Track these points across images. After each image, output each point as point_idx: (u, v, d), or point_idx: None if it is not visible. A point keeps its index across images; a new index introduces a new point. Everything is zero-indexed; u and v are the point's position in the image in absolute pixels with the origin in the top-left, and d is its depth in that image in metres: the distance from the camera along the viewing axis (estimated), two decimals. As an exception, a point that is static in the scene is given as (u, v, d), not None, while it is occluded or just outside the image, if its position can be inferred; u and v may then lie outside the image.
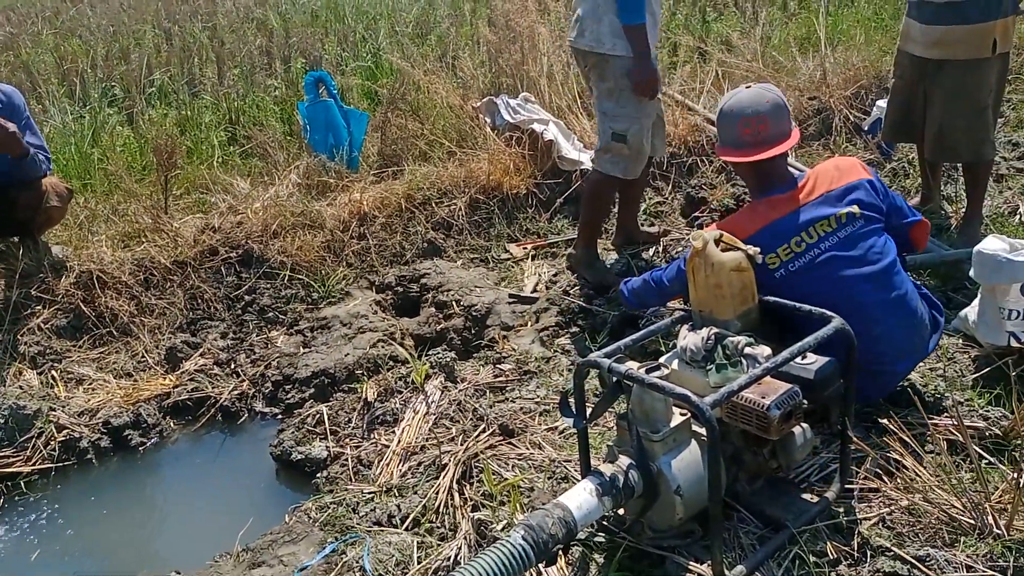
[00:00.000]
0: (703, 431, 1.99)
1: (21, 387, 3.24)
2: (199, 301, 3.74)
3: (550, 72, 5.12)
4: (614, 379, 2.01)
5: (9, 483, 2.89)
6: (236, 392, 3.27)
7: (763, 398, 1.92)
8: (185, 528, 2.76)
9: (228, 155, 5.02)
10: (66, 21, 9.46)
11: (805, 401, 1.99)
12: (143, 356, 3.48)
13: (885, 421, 2.31)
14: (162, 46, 7.44)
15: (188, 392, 3.26)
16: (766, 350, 2.09)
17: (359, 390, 3.08)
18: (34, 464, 2.96)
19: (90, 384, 3.32)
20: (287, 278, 3.86)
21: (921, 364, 2.76)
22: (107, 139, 5.21)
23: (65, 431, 3.04)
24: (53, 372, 3.36)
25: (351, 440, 2.87)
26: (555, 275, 3.90)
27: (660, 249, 3.93)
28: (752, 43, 5.70)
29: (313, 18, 7.95)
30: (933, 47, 3.32)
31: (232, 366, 3.42)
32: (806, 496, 2.18)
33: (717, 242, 2.20)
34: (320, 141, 4.70)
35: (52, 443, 3.00)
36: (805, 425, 2.09)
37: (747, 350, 2.07)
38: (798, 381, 2.02)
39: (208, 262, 3.85)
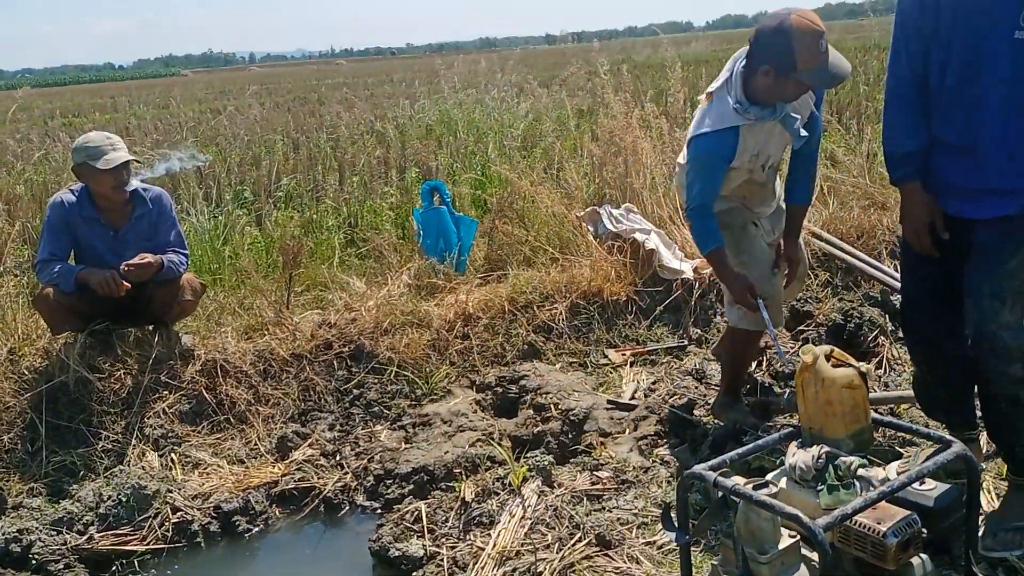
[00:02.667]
0: (814, 556, 1.93)
1: (143, 467, 3.44)
2: (311, 393, 3.92)
3: (652, 184, 5.26)
4: (720, 494, 1.98)
5: (124, 561, 3.03)
6: (339, 484, 3.37)
7: (879, 524, 1.85)
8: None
9: (346, 256, 5.35)
10: (207, 131, 10.46)
11: (924, 529, 1.90)
12: (256, 444, 3.65)
13: (1015, 558, 2.16)
14: (290, 155, 8.10)
15: (295, 481, 3.38)
16: (880, 472, 2.03)
17: (457, 489, 3.12)
18: (148, 544, 3.09)
19: (205, 468, 3.50)
20: (393, 374, 4.01)
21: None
22: (237, 238, 5.65)
23: (179, 513, 3.19)
24: (173, 455, 3.56)
25: (447, 540, 2.88)
26: (654, 383, 3.89)
27: (764, 362, 3.87)
28: (858, 159, 5.70)
29: (427, 131, 8.49)
30: None
31: (337, 458, 3.54)
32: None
33: (828, 357, 2.17)
34: (432, 245, 4.96)
35: (166, 524, 3.14)
36: (924, 556, 1.98)
37: (860, 471, 2.01)
38: (916, 508, 1.93)
39: (322, 355, 4.05)
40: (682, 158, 3.22)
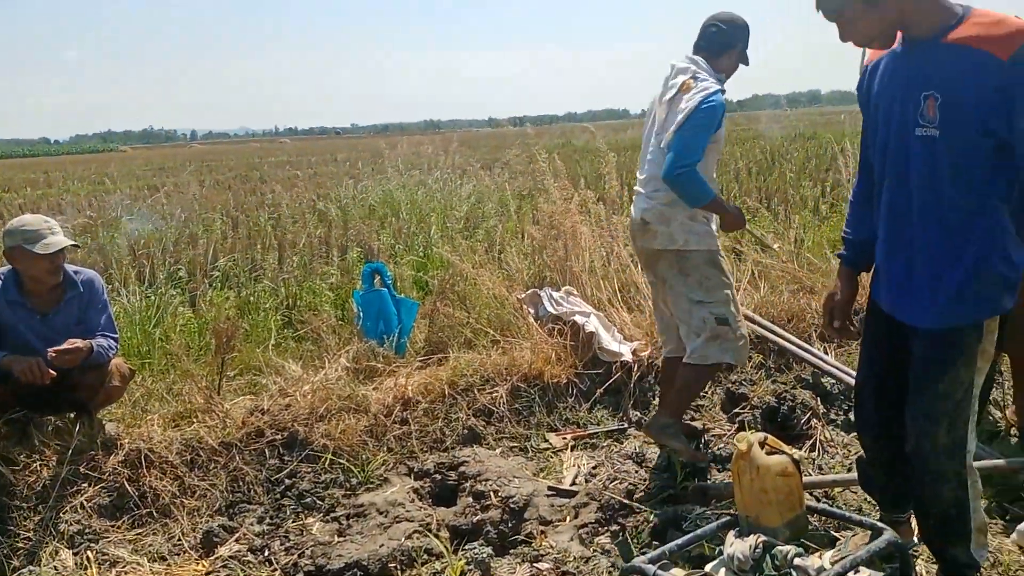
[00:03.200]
0: (754, 650, 1.90)
1: (55, 568, 3.21)
2: (240, 483, 3.76)
3: (591, 267, 5.36)
4: (659, 588, 1.95)
5: (28, 672, 2.80)
6: (267, 582, 3.20)
7: (816, 616, 1.84)
8: None
9: (283, 338, 5.24)
10: (143, 208, 10.30)
11: (861, 621, 1.90)
12: (179, 539, 3.45)
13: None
14: (228, 233, 8.00)
15: (219, 581, 3.20)
16: (816, 561, 2.03)
17: (393, 585, 3.00)
18: (56, 653, 2.87)
19: (123, 567, 3.28)
20: (328, 462, 3.88)
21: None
22: (169, 319, 5.49)
23: (92, 618, 2.98)
24: (89, 552, 3.33)
25: (381, 641, 2.75)
26: (594, 467, 3.86)
27: (702, 444, 3.90)
28: (786, 245, 5.93)
29: (370, 211, 8.54)
30: None
31: (266, 553, 3.37)
32: None
33: (762, 444, 2.20)
34: (372, 328, 4.90)
35: (78, 630, 2.93)
36: (863, 647, 1.97)
37: (796, 561, 2.01)
38: (852, 598, 1.94)
39: (253, 444, 3.90)
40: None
